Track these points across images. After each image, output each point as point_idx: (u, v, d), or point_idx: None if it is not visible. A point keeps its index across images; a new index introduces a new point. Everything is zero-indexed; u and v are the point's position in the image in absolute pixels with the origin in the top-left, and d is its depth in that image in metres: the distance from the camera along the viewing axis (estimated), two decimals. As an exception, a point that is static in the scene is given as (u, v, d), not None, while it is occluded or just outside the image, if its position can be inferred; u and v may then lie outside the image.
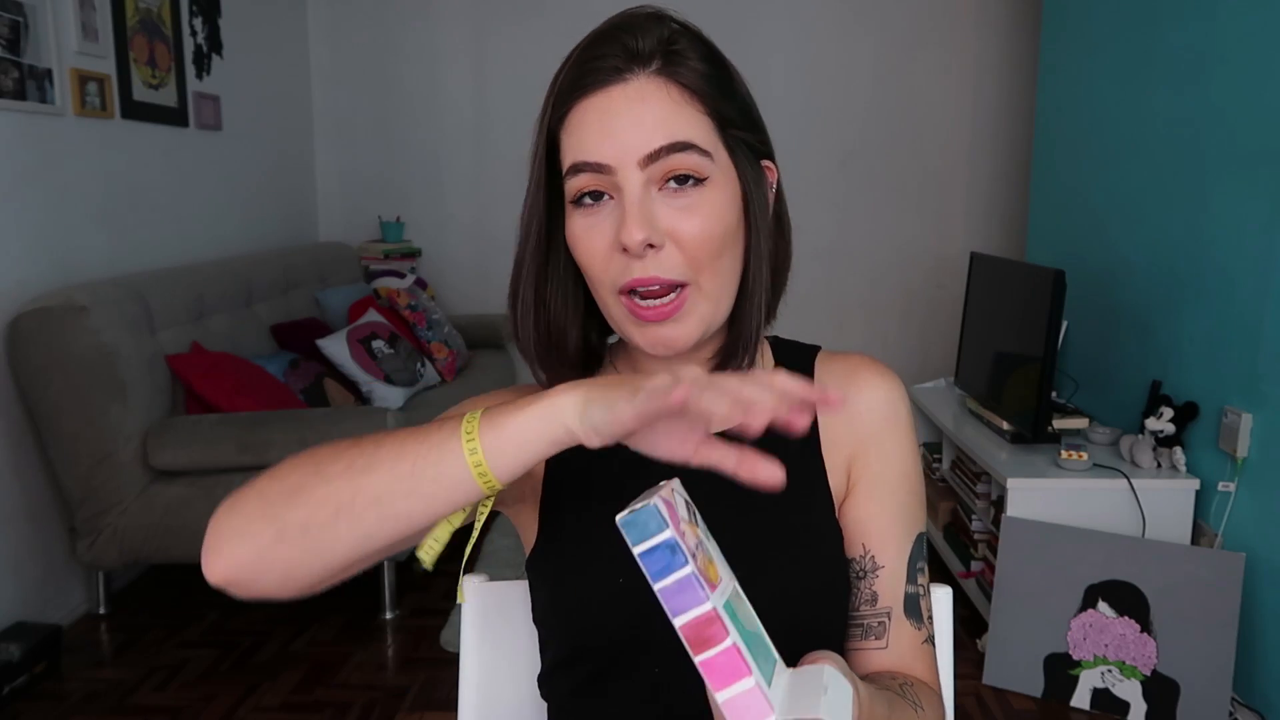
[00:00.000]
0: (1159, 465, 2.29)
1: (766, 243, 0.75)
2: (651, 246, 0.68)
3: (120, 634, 2.48)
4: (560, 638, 0.78)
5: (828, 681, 0.55)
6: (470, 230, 4.18)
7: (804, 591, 0.75)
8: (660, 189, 0.69)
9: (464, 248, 4.19)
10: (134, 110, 2.84)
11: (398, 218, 4.13)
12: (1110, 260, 2.76)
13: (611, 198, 0.69)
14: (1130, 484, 2.23)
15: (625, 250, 0.67)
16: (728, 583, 0.55)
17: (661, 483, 0.56)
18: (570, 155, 0.69)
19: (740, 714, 0.50)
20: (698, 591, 0.50)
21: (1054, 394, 2.60)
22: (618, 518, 0.51)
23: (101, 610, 2.58)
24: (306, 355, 2.98)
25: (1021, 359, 2.50)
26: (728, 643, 0.50)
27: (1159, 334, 2.48)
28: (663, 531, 0.50)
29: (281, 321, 3.17)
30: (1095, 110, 2.89)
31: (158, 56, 2.98)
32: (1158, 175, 2.51)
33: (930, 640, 0.79)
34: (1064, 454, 2.32)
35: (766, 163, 0.75)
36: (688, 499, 0.57)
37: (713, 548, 0.56)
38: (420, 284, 3.90)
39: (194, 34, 3.21)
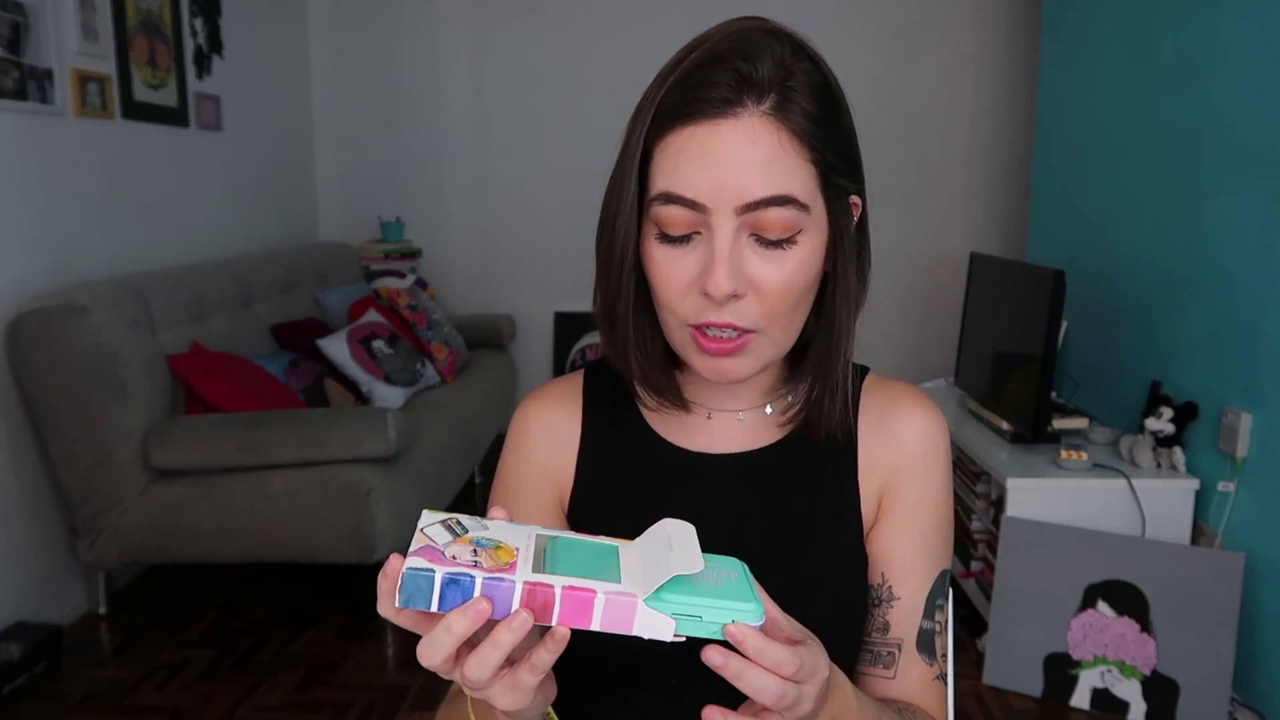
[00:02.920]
0: (1159, 465, 2.29)
1: (854, 290, 0.73)
2: (734, 296, 0.66)
3: (120, 634, 2.48)
4: (579, 645, 0.77)
5: (670, 532, 0.56)
6: (470, 230, 4.18)
7: (824, 613, 0.75)
8: (750, 235, 0.66)
9: (464, 248, 4.19)
10: (134, 110, 2.84)
11: (398, 218, 4.13)
12: (1110, 260, 2.76)
13: (699, 233, 0.67)
14: (1130, 484, 2.23)
15: (706, 294, 0.66)
16: (527, 542, 0.56)
17: (418, 525, 0.56)
18: (664, 181, 0.66)
19: (615, 621, 0.53)
20: (500, 586, 0.52)
21: (1054, 394, 2.60)
22: (397, 604, 0.51)
23: (101, 610, 2.58)
24: (306, 355, 2.98)
25: (1021, 359, 2.50)
26: (558, 591, 0.52)
27: (1159, 334, 2.48)
28: (433, 581, 0.51)
29: (281, 321, 3.17)
30: (1095, 110, 2.89)
31: (158, 56, 2.98)
32: (1157, 175, 2.51)
33: (942, 678, 0.79)
34: (1064, 454, 2.32)
35: (854, 198, 0.72)
36: (447, 517, 0.57)
37: (497, 527, 0.57)
38: (420, 284, 3.90)
39: (194, 34, 3.21)
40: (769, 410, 0.80)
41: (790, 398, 0.78)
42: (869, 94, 3.96)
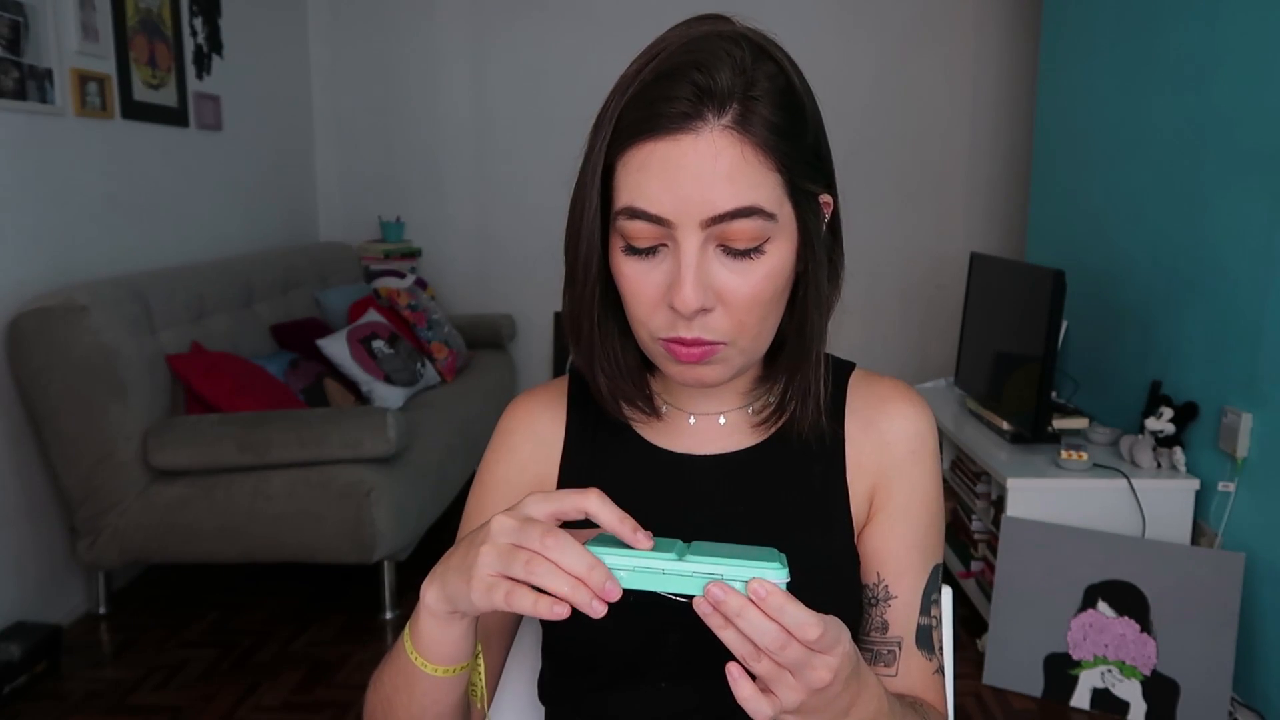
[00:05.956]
0: (1159, 465, 2.29)
1: (825, 292, 0.72)
2: (703, 310, 0.66)
3: (120, 634, 2.48)
4: (570, 647, 0.78)
5: None
6: (470, 230, 4.18)
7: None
8: (718, 245, 0.65)
9: (464, 248, 4.19)
10: (134, 110, 2.84)
11: (398, 218, 4.13)
12: (1110, 260, 2.76)
13: (665, 245, 0.66)
14: (1130, 484, 2.23)
15: (674, 308, 0.66)
16: None
17: None
18: (628, 196, 0.65)
19: None
20: None
21: (1054, 394, 2.60)
22: None
23: (101, 610, 2.58)
24: (306, 355, 2.98)
25: (1021, 359, 2.50)
26: None
27: (1159, 334, 2.48)
28: None
29: (281, 321, 3.17)
30: (1095, 110, 2.89)
31: (158, 56, 2.98)
32: (1158, 175, 2.51)
33: (941, 670, 0.80)
34: (1064, 454, 2.32)
35: (825, 197, 0.71)
36: None
37: None
38: (420, 284, 3.90)
39: (194, 34, 3.21)
40: (749, 411, 0.79)
41: (769, 398, 0.78)
42: (869, 94, 3.96)
